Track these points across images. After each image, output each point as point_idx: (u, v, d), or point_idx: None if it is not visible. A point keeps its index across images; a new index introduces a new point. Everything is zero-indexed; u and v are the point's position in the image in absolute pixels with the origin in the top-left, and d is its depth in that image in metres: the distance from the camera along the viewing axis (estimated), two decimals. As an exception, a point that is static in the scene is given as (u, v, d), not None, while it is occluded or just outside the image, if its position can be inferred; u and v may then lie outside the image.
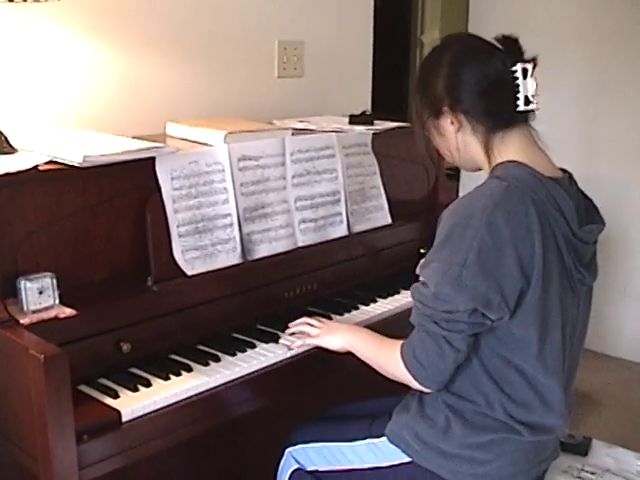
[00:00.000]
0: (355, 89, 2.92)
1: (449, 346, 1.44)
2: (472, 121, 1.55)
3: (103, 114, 2.13)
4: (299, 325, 1.82)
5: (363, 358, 1.66)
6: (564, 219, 1.48)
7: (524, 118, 1.56)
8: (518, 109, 1.53)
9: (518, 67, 1.51)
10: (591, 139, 3.64)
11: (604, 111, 3.58)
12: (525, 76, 1.51)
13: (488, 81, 1.52)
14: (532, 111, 1.55)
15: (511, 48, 1.53)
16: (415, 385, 1.51)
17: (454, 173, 3.57)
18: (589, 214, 1.59)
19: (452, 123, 1.57)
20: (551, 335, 1.49)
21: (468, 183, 3.95)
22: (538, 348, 1.47)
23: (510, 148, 1.54)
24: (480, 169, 1.64)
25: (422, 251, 2.34)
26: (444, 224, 1.49)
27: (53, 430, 1.34)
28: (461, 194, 2.61)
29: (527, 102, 1.52)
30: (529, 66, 1.52)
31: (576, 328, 1.58)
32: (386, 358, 1.58)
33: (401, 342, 1.54)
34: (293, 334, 1.82)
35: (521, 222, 1.43)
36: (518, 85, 1.51)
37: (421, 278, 1.51)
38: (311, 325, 1.79)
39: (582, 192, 1.61)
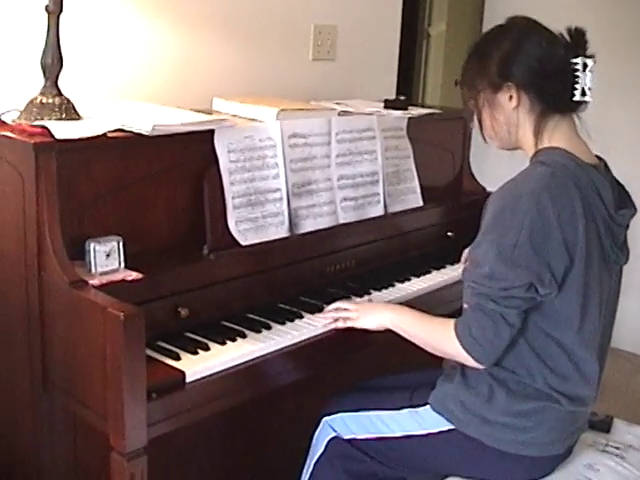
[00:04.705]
0: (381, 74, 2.97)
1: (505, 322, 1.51)
2: (533, 100, 1.60)
3: (154, 88, 2.18)
4: (333, 311, 1.81)
5: (408, 336, 1.68)
6: (603, 203, 1.57)
7: (575, 108, 1.63)
8: (574, 98, 1.59)
9: (579, 60, 1.57)
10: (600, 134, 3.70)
11: (611, 109, 3.65)
12: (585, 69, 1.58)
13: (551, 62, 1.58)
14: (585, 103, 1.62)
15: (578, 41, 1.59)
16: (470, 362, 1.55)
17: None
18: (622, 199, 1.67)
19: (510, 99, 1.62)
20: (590, 311, 1.58)
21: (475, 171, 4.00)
22: (579, 323, 1.56)
23: (557, 135, 1.62)
24: (515, 149, 1.70)
25: (449, 234, 2.40)
26: (493, 206, 1.56)
27: (127, 387, 1.38)
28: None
29: (583, 93, 1.59)
30: (590, 61, 1.58)
31: (609, 305, 1.68)
32: (438, 337, 1.61)
33: (452, 320, 1.58)
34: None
35: (565, 205, 1.51)
36: (578, 76, 1.58)
37: (472, 257, 1.57)
38: (346, 309, 1.79)
39: (615, 179, 1.69)
